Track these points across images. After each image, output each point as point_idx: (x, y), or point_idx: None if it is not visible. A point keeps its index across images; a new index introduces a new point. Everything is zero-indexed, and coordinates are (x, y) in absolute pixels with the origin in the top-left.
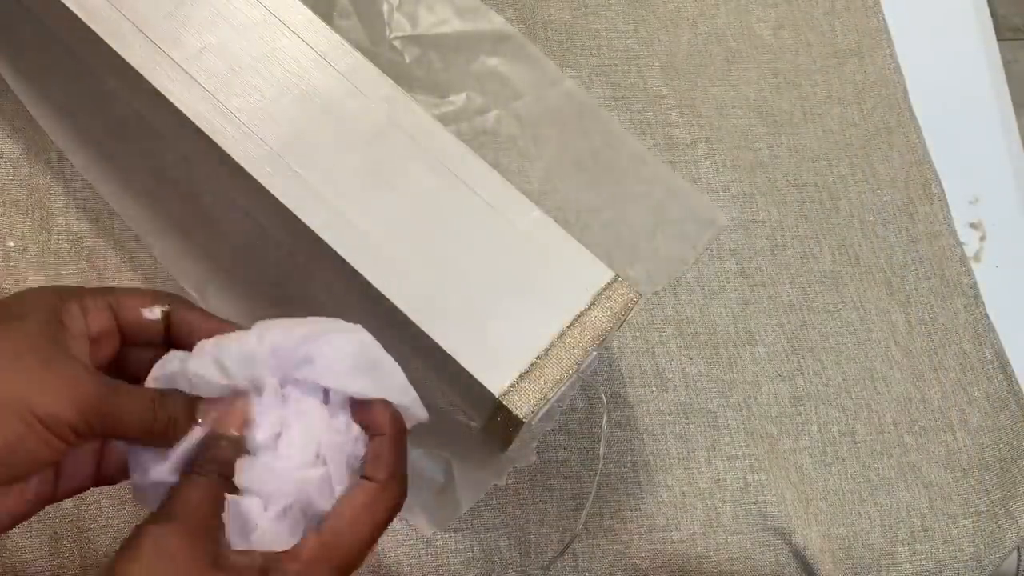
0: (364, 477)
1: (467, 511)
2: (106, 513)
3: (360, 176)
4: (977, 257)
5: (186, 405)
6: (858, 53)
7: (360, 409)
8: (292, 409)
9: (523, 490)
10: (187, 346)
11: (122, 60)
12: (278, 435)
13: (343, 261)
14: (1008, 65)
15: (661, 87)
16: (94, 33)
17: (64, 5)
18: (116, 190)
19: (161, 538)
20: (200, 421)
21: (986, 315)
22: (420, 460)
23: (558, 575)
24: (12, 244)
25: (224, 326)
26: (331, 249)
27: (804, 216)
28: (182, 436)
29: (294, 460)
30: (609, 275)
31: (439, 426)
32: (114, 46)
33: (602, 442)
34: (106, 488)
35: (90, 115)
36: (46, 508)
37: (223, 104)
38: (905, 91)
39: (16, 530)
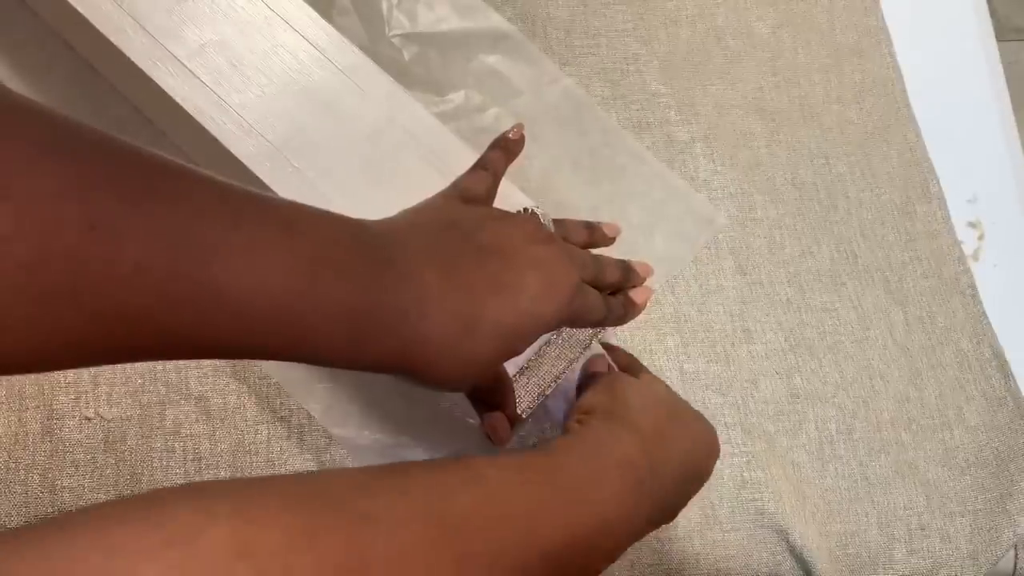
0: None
1: None
2: None
3: (359, 172)
4: (975, 256)
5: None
6: (857, 52)
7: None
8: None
9: None
10: None
11: (123, 56)
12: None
13: None
14: (1009, 66)
15: (660, 86)
16: (95, 29)
17: (65, 1)
18: None
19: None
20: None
21: (984, 314)
22: (420, 458)
23: None
24: None
25: None
26: None
27: (802, 215)
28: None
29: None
30: None
31: (439, 424)
32: (115, 42)
33: None
34: (105, 484)
35: (89, 113)
36: (45, 504)
37: (224, 100)
38: (904, 90)
39: (13, 526)
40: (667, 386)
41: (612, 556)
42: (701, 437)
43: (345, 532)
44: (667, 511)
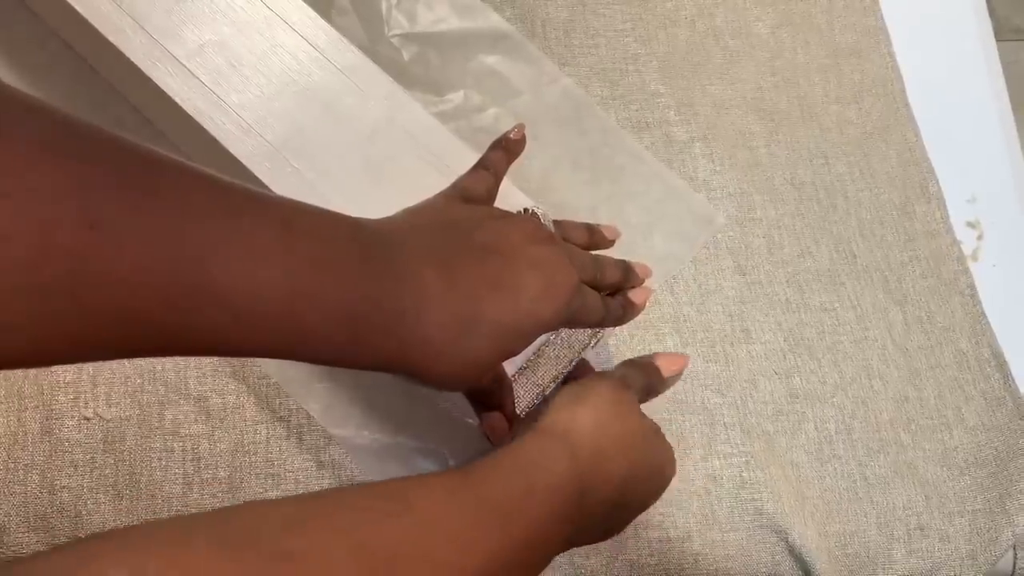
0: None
1: None
2: (103, 509)
3: (359, 172)
4: (975, 256)
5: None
6: (856, 52)
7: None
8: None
9: None
10: None
11: (122, 56)
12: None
13: None
14: (1009, 66)
15: (659, 86)
16: (94, 29)
17: (65, 1)
18: None
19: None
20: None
21: (983, 314)
22: (418, 457)
23: (554, 572)
24: None
25: None
26: None
27: (801, 215)
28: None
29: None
30: None
31: (438, 424)
32: (114, 42)
33: None
34: (104, 484)
35: (88, 113)
36: (44, 504)
37: (222, 100)
38: (903, 90)
39: (12, 526)
40: (630, 412)
41: (532, 574)
42: (648, 459)
43: (273, 575)
44: (596, 532)
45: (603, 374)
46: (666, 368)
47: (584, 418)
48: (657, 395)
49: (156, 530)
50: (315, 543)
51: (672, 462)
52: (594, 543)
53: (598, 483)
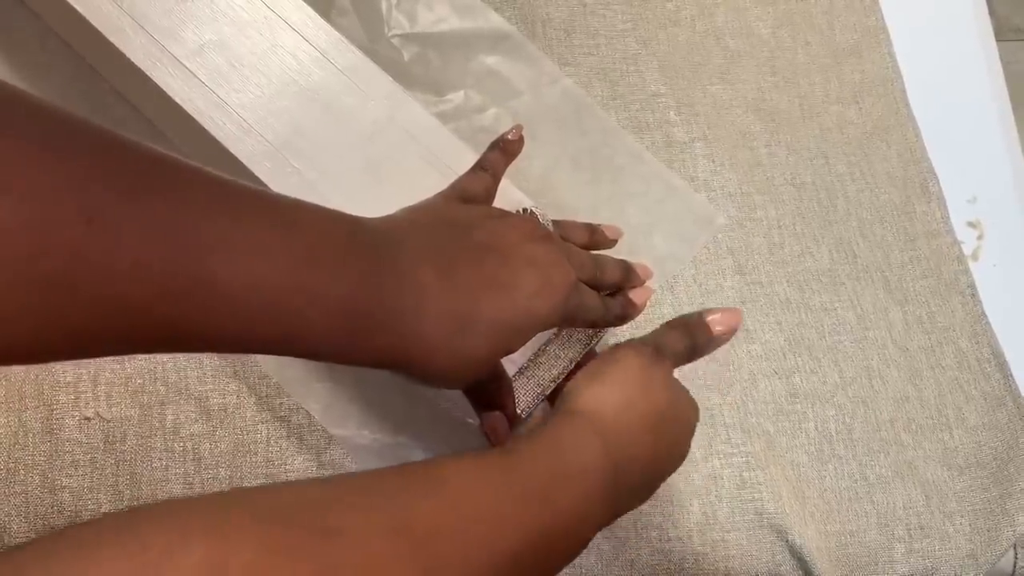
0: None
1: None
2: (104, 509)
3: (359, 172)
4: (975, 256)
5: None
6: (856, 52)
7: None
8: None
9: None
10: None
11: (123, 56)
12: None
13: None
14: (1008, 65)
15: (659, 86)
16: (95, 29)
17: (65, 1)
18: None
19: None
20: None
21: (983, 314)
22: (419, 457)
23: None
24: None
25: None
26: None
27: (802, 215)
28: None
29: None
30: None
31: (439, 424)
32: (115, 42)
33: None
34: (104, 484)
35: (88, 114)
36: (45, 504)
37: (223, 100)
38: (903, 90)
39: (15, 529)
40: (658, 385)
41: (572, 556)
42: (676, 427)
43: (316, 548)
44: (634, 500)
45: (634, 342)
46: (717, 323)
47: (610, 397)
48: (704, 355)
49: (199, 502)
50: (356, 520)
51: (696, 410)
52: (630, 511)
53: (630, 462)
